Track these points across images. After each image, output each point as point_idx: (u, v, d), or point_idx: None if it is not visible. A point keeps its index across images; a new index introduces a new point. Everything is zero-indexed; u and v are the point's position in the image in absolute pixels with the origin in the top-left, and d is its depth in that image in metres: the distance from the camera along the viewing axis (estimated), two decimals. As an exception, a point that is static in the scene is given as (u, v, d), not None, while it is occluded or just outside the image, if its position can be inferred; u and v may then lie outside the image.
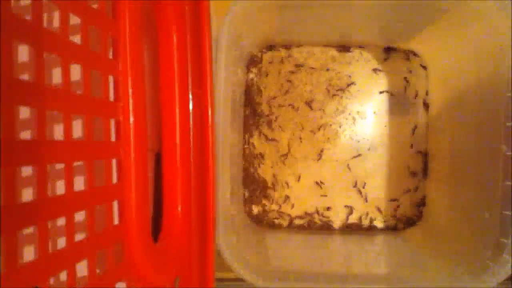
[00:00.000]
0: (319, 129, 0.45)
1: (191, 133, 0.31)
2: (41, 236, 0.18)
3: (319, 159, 0.45)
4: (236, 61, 0.39)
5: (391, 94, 0.46)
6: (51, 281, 0.18)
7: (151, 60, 0.30)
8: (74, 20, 0.21)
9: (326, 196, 0.45)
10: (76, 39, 0.21)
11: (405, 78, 0.46)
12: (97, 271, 0.21)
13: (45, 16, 0.24)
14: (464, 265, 0.33)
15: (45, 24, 0.23)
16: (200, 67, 0.30)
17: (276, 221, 0.45)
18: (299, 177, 0.45)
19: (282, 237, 0.44)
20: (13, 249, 0.16)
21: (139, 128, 0.25)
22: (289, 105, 0.45)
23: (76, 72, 0.21)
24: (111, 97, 0.24)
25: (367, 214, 0.45)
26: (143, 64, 0.26)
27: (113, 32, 0.24)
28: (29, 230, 0.21)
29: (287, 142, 0.45)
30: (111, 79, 0.24)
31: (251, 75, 0.46)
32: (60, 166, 0.20)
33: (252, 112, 0.45)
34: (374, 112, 0.45)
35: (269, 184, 0.45)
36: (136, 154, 0.25)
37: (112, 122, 0.24)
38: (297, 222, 0.45)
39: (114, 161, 0.24)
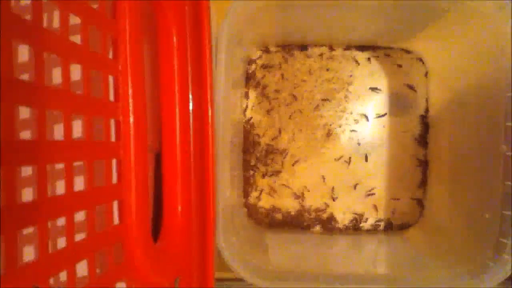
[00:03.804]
0: (319, 129, 0.45)
1: (191, 133, 0.31)
2: (41, 236, 0.18)
3: (319, 159, 0.45)
4: (236, 61, 0.39)
5: (391, 94, 0.46)
6: (51, 281, 0.18)
7: (151, 60, 0.30)
8: (74, 20, 0.21)
9: (326, 196, 0.45)
10: (76, 39, 0.21)
11: (405, 78, 0.46)
12: (97, 271, 0.21)
13: (45, 16, 0.24)
14: (464, 265, 0.33)
15: (45, 24, 0.24)
16: (200, 67, 0.30)
17: (276, 221, 0.45)
18: (299, 177, 0.45)
19: (282, 237, 0.44)
20: (13, 249, 0.16)
21: (139, 128, 0.25)
22: (289, 105, 0.45)
23: (76, 72, 0.21)
24: (111, 97, 0.24)
25: (367, 214, 0.45)
26: (143, 64, 0.26)
27: (113, 32, 0.24)
28: (29, 230, 0.21)
29: (287, 142, 0.45)
30: (111, 79, 0.24)
31: (251, 75, 0.46)
32: (60, 166, 0.20)
33: (252, 112, 0.45)
34: (374, 113, 0.45)
35: (269, 184, 0.45)
36: (136, 154, 0.25)
37: (112, 122, 0.24)
38: (297, 222, 0.45)
39: (114, 161, 0.24)
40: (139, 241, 0.25)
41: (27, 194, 0.22)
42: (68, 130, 0.20)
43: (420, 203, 0.45)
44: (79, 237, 0.20)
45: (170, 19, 0.30)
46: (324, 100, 0.45)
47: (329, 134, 0.45)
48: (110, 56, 0.24)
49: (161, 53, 0.30)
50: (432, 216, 0.44)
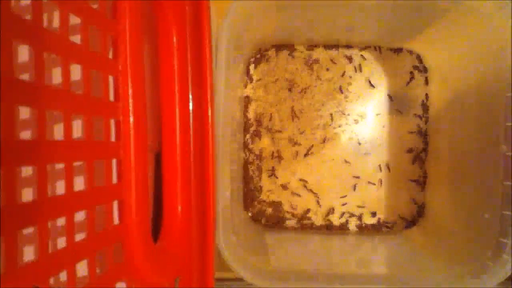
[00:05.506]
0: (319, 129, 0.45)
1: (191, 133, 0.31)
2: (41, 236, 0.18)
3: (319, 159, 0.45)
4: (236, 61, 0.39)
5: (391, 95, 0.46)
6: (51, 281, 0.18)
7: (151, 60, 0.30)
8: (74, 20, 0.21)
9: (326, 196, 0.45)
10: (76, 39, 0.21)
11: (405, 78, 0.46)
12: (97, 271, 0.21)
13: (45, 16, 0.24)
14: (464, 265, 0.33)
15: (45, 24, 0.24)
16: (200, 67, 0.30)
17: (276, 221, 0.45)
18: (299, 177, 0.45)
19: (282, 237, 0.44)
20: (13, 249, 0.16)
21: (139, 128, 0.25)
22: (289, 105, 0.45)
23: (76, 72, 0.21)
24: (111, 97, 0.24)
25: (367, 214, 0.45)
26: (143, 64, 0.26)
27: (113, 32, 0.24)
28: (29, 230, 0.21)
29: (287, 142, 0.45)
30: (111, 79, 0.24)
31: (251, 75, 0.46)
32: (60, 166, 0.20)
33: (252, 112, 0.45)
34: (374, 113, 0.45)
35: (269, 184, 0.45)
36: (136, 154, 0.25)
37: (112, 122, 0.24)
38: (297, 222, 0.45)
39: (114, 161, 0.24)
40: (139, 241, 0.25)
41: (27, 194, 0.22)
42: (68, 130, 0.20)
43: (420, 203, 0.45)
44: (79, 237, 0.20)
45: (170, 19, 0.30)
46: (324, 100, 0.45)
47: (329, 134, 0.45)
48: (110, 56, 0.24)
49: (161, 53, 0.30)
50: (432, 216, 0.44)
